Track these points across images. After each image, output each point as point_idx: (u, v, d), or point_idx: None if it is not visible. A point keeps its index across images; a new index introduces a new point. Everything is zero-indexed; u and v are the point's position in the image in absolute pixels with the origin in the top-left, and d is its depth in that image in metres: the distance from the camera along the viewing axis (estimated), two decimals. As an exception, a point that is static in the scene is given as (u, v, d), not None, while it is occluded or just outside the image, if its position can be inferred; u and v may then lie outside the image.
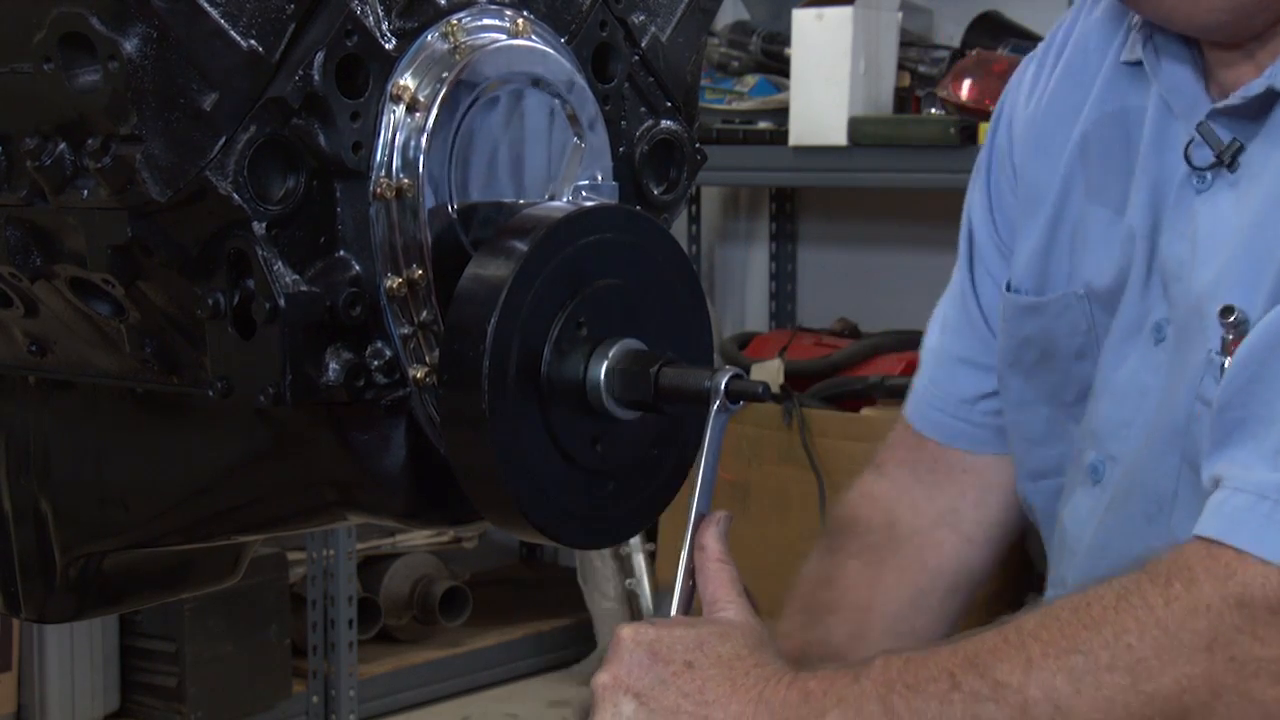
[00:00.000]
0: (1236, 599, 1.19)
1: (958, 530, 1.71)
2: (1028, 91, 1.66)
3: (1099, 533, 1.52)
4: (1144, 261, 1.50)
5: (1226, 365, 1.34)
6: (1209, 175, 1.43)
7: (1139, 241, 1.50)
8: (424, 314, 1.21)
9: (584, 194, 1.30)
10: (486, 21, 1.25)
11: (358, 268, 1.20)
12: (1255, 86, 1.40)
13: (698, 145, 1.40)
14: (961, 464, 1.71)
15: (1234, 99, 1.41)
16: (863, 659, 1.27)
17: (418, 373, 1.22)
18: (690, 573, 1.27)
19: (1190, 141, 1.45)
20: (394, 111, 1.21)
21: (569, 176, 1.30)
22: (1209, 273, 1.40)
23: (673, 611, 1.28)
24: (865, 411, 4.15)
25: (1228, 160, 1.42)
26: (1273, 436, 1.24)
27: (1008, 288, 1.63)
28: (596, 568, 4.57)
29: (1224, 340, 1.35)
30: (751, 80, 4.50)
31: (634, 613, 4.50)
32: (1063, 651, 1.21)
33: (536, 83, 1.27)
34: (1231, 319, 1.34)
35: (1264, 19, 1.41)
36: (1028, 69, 1.68)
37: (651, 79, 1.36)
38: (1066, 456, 1.59)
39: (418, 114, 1.21)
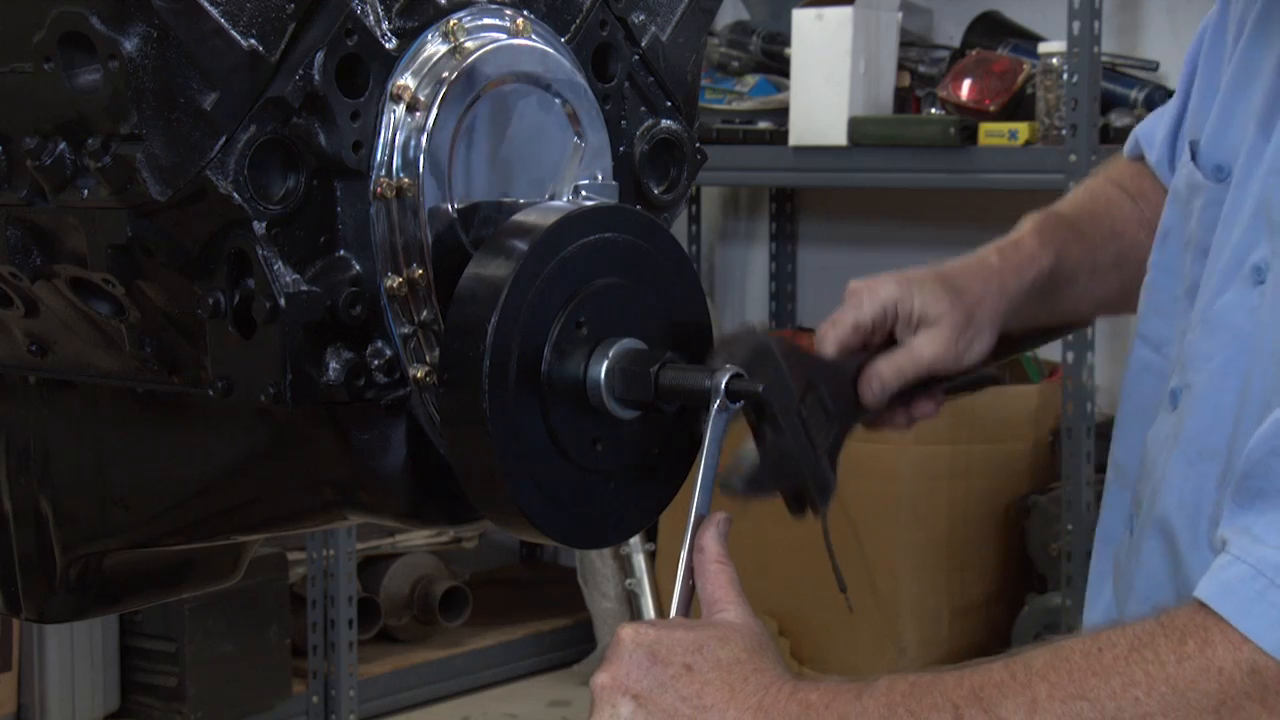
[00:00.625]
0: (1249, 665, 1.19)
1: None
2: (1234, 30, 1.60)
3: (1169, 463, 1.49)
4: (1258, 196, 1.45)
5: None
6: None
7: (1261, 176, 1.46)
8: (424, 313, 1.21)
9: (584, 193, 1.30)
10: (487, 21, 1.25)
11: (358, 267, 1.20)
12: None
13: (698, 145, 1.40)
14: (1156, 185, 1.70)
15: None
16: (867, 679, 1.26)
17: (418, 372, 1.22)
18: (690, 574, 1.27)
19: None
20: (394, 111, 1.21)
21: (569, 176, 1.30)
22: None
23: (672, 613, 1.27)
24: (865, 412, 4.14)
25: None
26: None
27: (1193, 152, 1.58)
28: (596, 568, 4.57)
29: None
30: (751, 80, 4.50)
31: (634, 613, 4.50)
32: (1069, 696, 1.20)
33: (537, 82, 1.27)
34: None
35: None
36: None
37: (652, 79, 1.36)
38: (1170, 345, 1.57)
39: (418, 113, 1.21)
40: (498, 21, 1.26)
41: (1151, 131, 1.73)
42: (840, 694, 1.23)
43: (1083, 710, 1.19)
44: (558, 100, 1.28)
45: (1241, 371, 1.42)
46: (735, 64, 4.55)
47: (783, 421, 1.32)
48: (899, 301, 1.53)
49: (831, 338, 1.49)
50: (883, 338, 1.52)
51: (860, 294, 1.54)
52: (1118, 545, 1.59)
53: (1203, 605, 1.22)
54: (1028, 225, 1.66)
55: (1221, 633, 1.19)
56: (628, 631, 1.23)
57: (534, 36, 1.28)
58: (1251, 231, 1.45)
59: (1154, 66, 4.13)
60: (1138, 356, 1.63)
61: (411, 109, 1.21)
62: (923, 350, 1.51)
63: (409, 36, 1.22)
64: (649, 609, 4.45)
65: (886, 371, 1.49)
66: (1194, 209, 1.55)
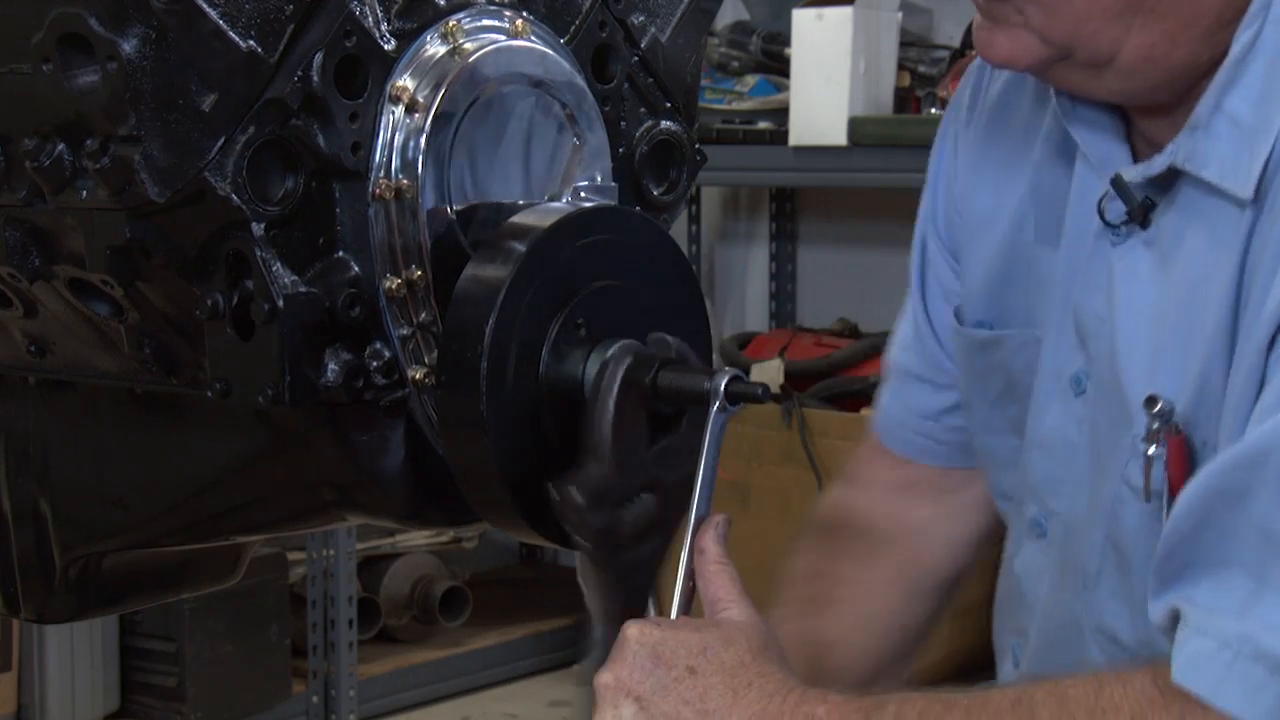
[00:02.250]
0: None
1: (938, 538, 1.71)
2: (967, 111, 1.63)
3: (1051, 590, 1.52)
4: (1059, 309, 1.49)
5: (1152, 453, 1.35)
6: (1124, 230, 1.42)
7: (1057, 289, 1.49)
8: (423, 315, 1.21)
9: (583, 195, 1.29)
10: (486, 22, 1.25)
11: (357, 268, 1.20)
12: (1157, 164, 1.38)
13: (697, 145, 1.40)
14: (931, 480, 1.70)
15: (1138, 173, 1.40)
16: (877, 695, 1.26)
17: (417, 373, 1.22)
18: (690, 575, 1.27)
19: (1104, 195, 1.43)
20: (393, 112, 1.21)
21: (568, 177, 1.30)
22: (1128, 343, 1.40)
23: (673, 615, 1.27)
24: (865, 411, 4.14)
25: (1139, 218, 1.40)
26: (1232, 580, 1.23)
27: (959, 318, 1.62)
28: (597, 568, 4.57)
29: (1149, 429, 1.35)
30: (751, 80, 4.50)
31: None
32: None
33: (536, 83, 1.27)
34: (1157, 409, 1.34)
35: (1170, 91, 1.38)
36: (967, 85, 1.65)
37: (651, 79, 1.36)
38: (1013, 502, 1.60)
39: (417, 115, 1.21)
40: (497, 23, 1.26)
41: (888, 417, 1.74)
42: (848, 713, 1.22)
43: None
44: (557, 102, 1.28)
45: (1091, 482, 1.46)
46: (735, 64, 4.55)
47: None
48: None
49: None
50: None
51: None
52: (1005, 674, 1.62)
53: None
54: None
55: (1204, 712, 1.20)
56: (633, 631, 1.23)
57: (533, 38, 1.28)
58: (1063, 348, 1.48)
59: (1154, 66, 4.12)
60: (1005, 510, 1.64)
61: (410, 110, 1.21)
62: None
63: (408, 38, 1.21)
64: (649, 609, 4.44)
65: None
66: (996, 362, 1.57)
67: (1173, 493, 1.33)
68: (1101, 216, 1.43)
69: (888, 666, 1.68)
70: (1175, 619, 1.24)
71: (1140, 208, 1.40)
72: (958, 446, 1.68)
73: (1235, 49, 1.33)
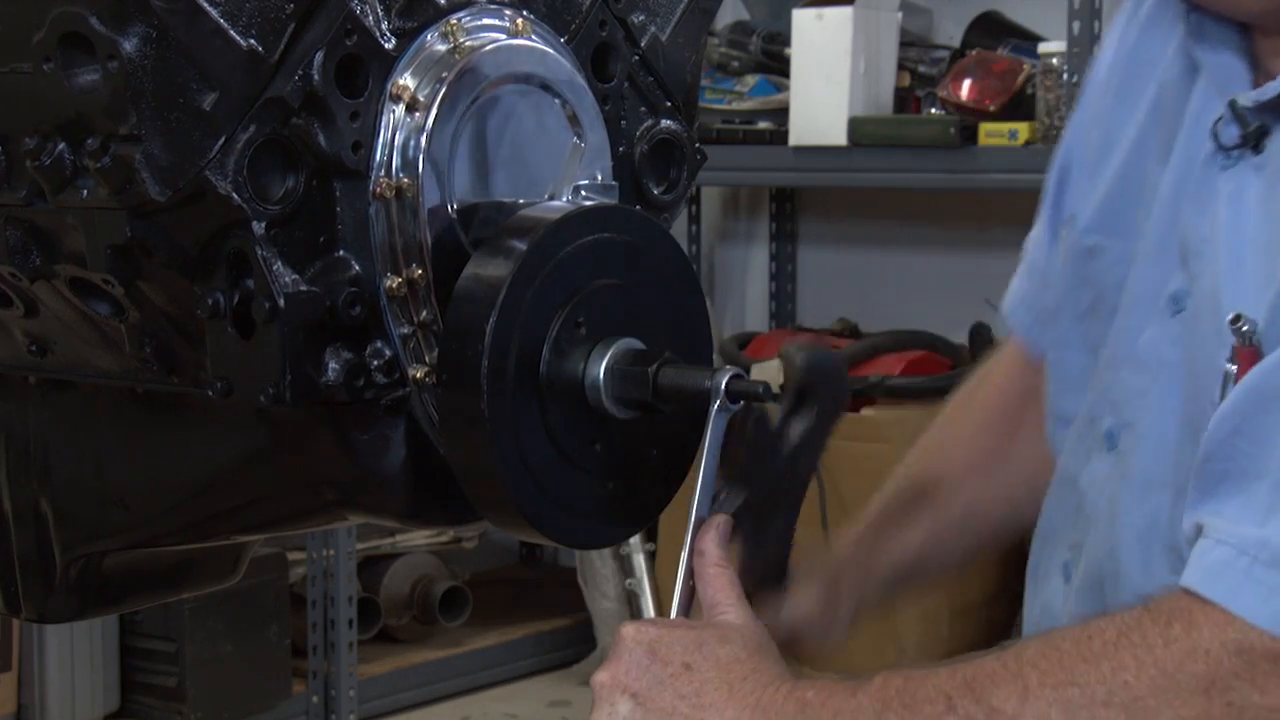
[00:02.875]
0: (1236, 645, 1.19)
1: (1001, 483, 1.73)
2: (1120, 31, 1.65)
3: (1114, 501, 1.51)
4: (1162, 228, 1.49)
5: (1229, 370, 1.34)
6: (1234, 154, 1.43)
7: (1160, 207, 1.50)
8: (424, 314, 1.21)
9: (583, 193, 1.30)
10: (486, 21, 1.25)
11: (357, 267, 1.20)
12: (1273, 88, 1.40)
13: (698, 145, 1.40)
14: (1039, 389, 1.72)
15: (1252, 98, 1.41)
16: (862, 676, 1.27)
17: (417, 372, 1.22)
18: (689, 576, 1.27)
19: (1220, 118, 1.44)
20: (394, 111, 1.21)
21: (569, 176, 1.30)
22: (1229, 265, 1.40)
23: (672, 616, 1.28)
24: (865, 411, 4.15)
25: (1253, 142, 1.42)
26: (1260, 492, 1.24)
27: (1072, 223, 1.63)
28: (596, 568, 4.57)
29: (1234, 349, 1.35)
30: (751, 80, 4.50)
31: (634, 613, 4.50)
32: (1060, 683, 1.21)
33: (536, 82, 1.27)
34: (1239, 326, 1.34)
35: None
36: (1125, 8, 1.67)
37: (651, 79, 1.36)
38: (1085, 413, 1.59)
39: (417, 113, 1.21)
40: (497, 22, 1.26)
41: (1015, 295, 1.76)
42: (836, 691, 1.24)
43: (1073, 696, 1.21)
44: (557, 100, 1.28)
45: (1178, 399, 1.45)
46: (735, 64, 4.55)
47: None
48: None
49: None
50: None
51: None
52: (1050, 593, 1.61)
53: (1188, 591, 1.23)
54: (875, 512, 1.70)
55: (1206, 615, 1.21)
56: (629, 630, 1.23)
57: (533, 37, 1.28)
58: (1162, 266, 1.48)
59: (1154, 66, 4.12)
60: (1061, 436, 1.64)
61: (411, 109, 1.21)
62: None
63: (408, 37, 1.22)
64: (649, 609, 4.45)
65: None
66: (1092, 273, 1.58)
67: None
68: (1215, 139, 1.44)
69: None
70: (1200, 532, 1.25)
71: (1254, 132, 1.41)
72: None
73: None
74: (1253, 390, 1.26)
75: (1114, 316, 1.55)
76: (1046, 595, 1.61)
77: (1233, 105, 1.43)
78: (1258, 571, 1.20)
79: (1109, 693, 1.20)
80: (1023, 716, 1.21)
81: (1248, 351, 1.34)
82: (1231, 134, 1.43)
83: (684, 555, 1.27)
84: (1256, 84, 1.45)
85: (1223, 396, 1.36)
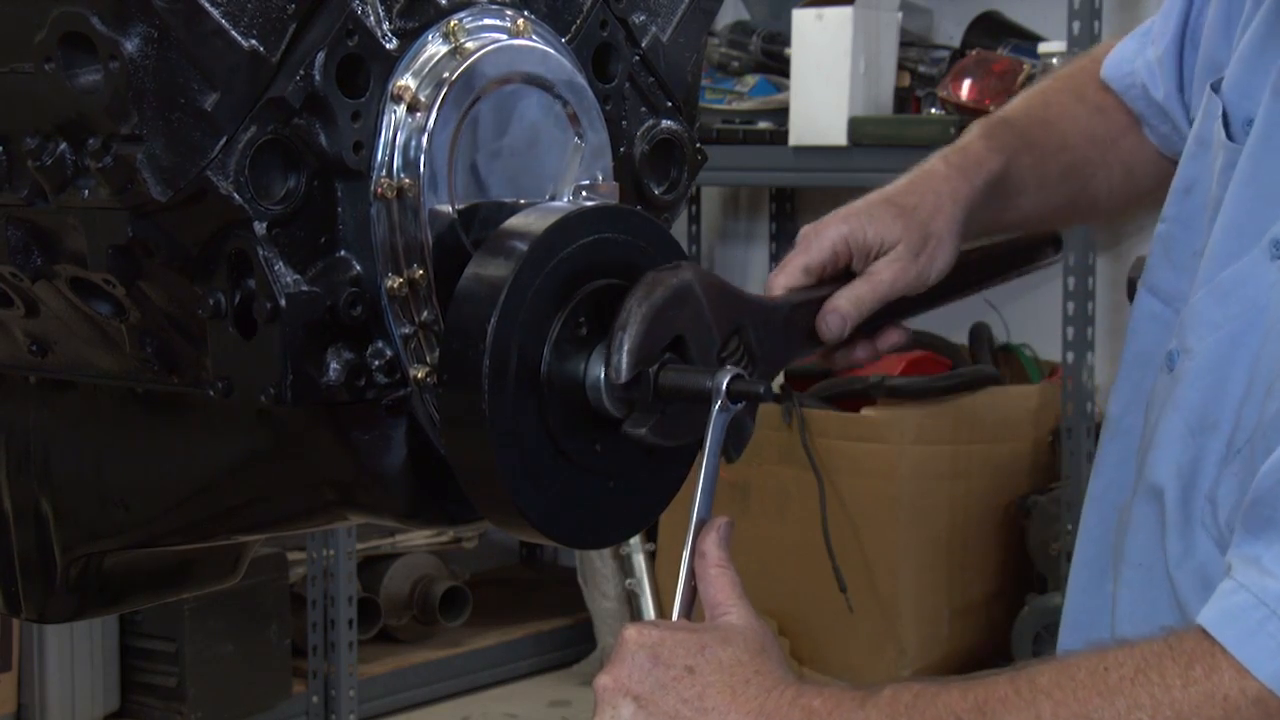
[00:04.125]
0: (1255, 694, 1.18)
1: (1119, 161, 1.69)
2: None
3: (1164, 427, 1.47)
4: (1275, 165, 1.42)
5: None
6: None
7: (1269, 142, 1.43)
8: (425, 314, 1.21)
9: (584, 194, 1.30)
10: (487, 21, 1.25)
11: (358, 268, 1.20)
12: None
13: (698, 145, 1.40)
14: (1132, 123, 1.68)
15: None
16: (871, 687, 1.25)
17: (418, 372, 1.22)
18: (691, 578, 1.27)
19: None
20: (395, 111, 1.21)
21: (569, 176, 1.30)
22: None
23: (674, 618, 1.27)
24: (865, 411, 4.15)
25: None
26: None
27: (1215, 88, 1.53)
28: (596, 568, 4.57)
29: None
30: (751, 80, 4.50)
31: (634, 613, 4.50)
32: (1074, 715, 1.19)
33: (537, 83, 1.27)
34: None
35: None
36: None
37: (652, 79, 1.36)
38: (1180, 301, 1.52)
39: (419, 114, 1.21)
40: (498, 22, 1.26)
41: (1129, 61, 1.68)
42: (843, 702, 1.22)
43: None
44: (558, 101, 1.28)
45: (1252, 346, 1.40)
46: (735, 64, 4.55)
47: (699, 364, 1.27)
48: (849, 237, 1.50)
49: (780, 283, 1.46)
50: (835, 276, 1.48)
51: (809, 237, 1.50)
52: (1121, 504, 1.56)
53: (1205, 630, 1.21)
54: (976, 130, 1.63)
55: (1228, 660, 1.19)
56: (631, 632, 1.23)
57: (534, 37, 1.28)
58: (1272, 203, 1.42)
59: (1154, 66, 4.12)
60: (1144, 306, 1.59)
61: (412, 109, 1.21)
62: (882, 275, 1.47)
63: (409, 37, 1.22)
64: (649, 609, 4.45)
65: (845, 304, 1.46)
66: (1215, 165, 1.50)
67: None
68: None
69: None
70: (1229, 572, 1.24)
71: None
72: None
73: None
74: None
75: (1216, 213, 1.47)
76: (1119, 505, 1.56)
77: None
78: (1271, 625, 1.18)
79: None
80: None
81: None
82: None
83: (685, 556, 1.26)
84: None
85: None
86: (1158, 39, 1.66)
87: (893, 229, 1.49)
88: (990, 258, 1.66)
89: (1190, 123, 1.60)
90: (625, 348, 1.21)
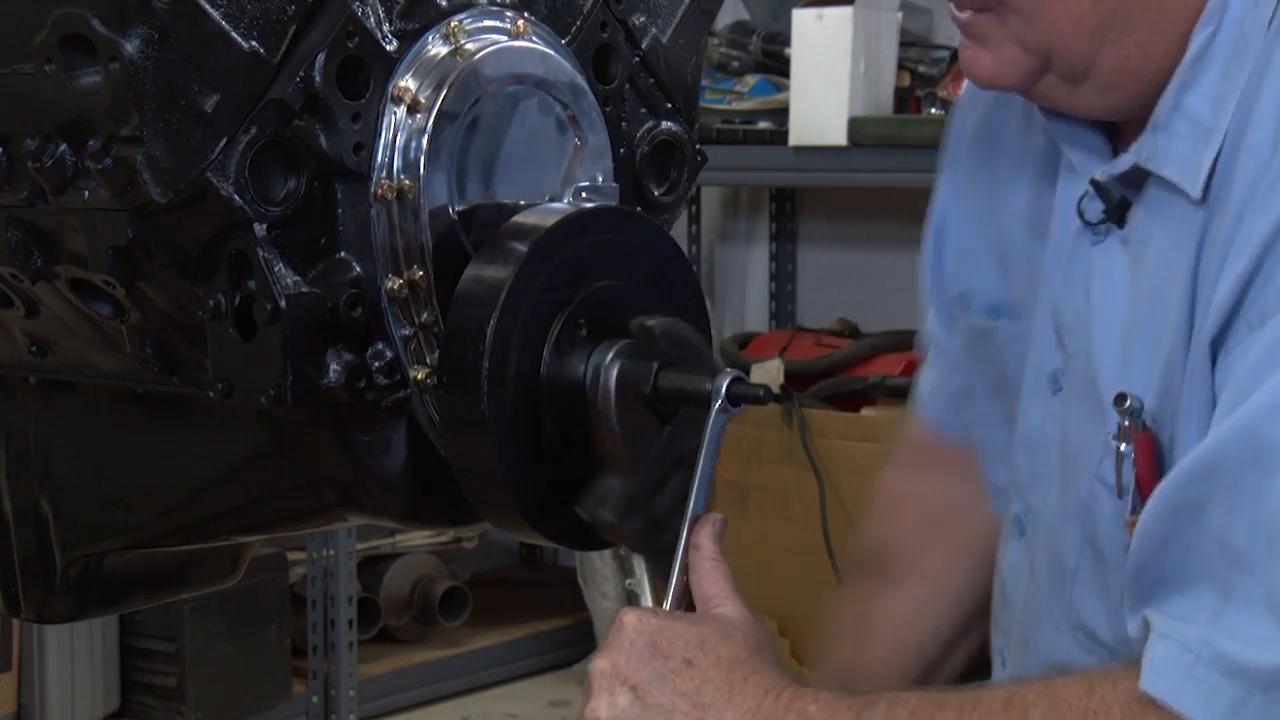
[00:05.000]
0: None
1: (990, 510, 1.71)
2: (951, 150, 1.67)
3: (1029, 588, 1.53)
4: (1044, 307, 1.51)
5: (1122, 450, 1.36)
6: (1102, 229, 1.43)
7: (1043, 286, 1.51)
8: (425, 315, 1.22)
9: (584, 195, 1.30)
10: (487, 23, 1.25)
11: (358, 269, 1.20)
12: (1122, 163, 1.40)
13: (698, 146, 1.40)
14: (972, 459, 1.70)
15: (1106, 171, 1.41)
16: (868, 693, 1.26)
17: (418, 374, 1.22)
18: (684, 571, 1.27)
19: (1084, 195, 1.45)
20: (395, 113, 1.21)
21: (569, 177, 1.30)
22: (1103, 341, 1.41)
23: (667, 609, 1.27)
24: (865, 411, 4.15)
25: (1116, 217, 1.42)
26: (1202, 593, 1.24)
27: (966, 304, 1.63)
28: (596, 568, 4.57)
29: (1120, 426, 1.37)
30: (751, 80, 4.50)
31: (634, 612, 4.49)
32: None
33: (537, 84, 1.27)
34: (1126, 406, 1.36)
35: (1147, 107, 1.39)
36: (950, 127, 1.69)
37: (652, 80, 1.36)
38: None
39: (419, 115, 1.21)
40: (498, 23, 1.26)
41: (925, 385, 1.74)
42: (839, 709, 1.23)
43: None
44: (558, 102, 1.28)
45: (1065, 479, 1.47)
46: (735, 64, 4.55)
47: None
48: None
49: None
50: None
51: None
52: (998, 678, 1.61)
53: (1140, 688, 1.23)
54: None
55: (1149, 716, 1.21)
56: (630, 618, 1.23)
57: (534, 38, 1.28)
58: (1046, 345, 1.50)
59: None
60: (1000, 506, 1.64)
61: (412, 111, 1.21)
62: None
63: (410, 38, 1.22)
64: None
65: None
66: (992, 353, 1.59)
67: (1142, 489, 1.35)
68: (1081, 216, 1.45)
69: (951, 644, 1.70)
70: (1149, 629, 1.25)
71: (1116, 206, 1.42)
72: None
73: (1192, 47, 1.35)
74: (1168, 504, 1.26)
75: (1016, 393, 1.55)
76: (995, 676, 1.62)
77: (1094, 181, 1.43)
78: (1199, 670, 1.20)
79: None
80: None
81: (1143, 436, 1.36)
82: (1095, 210, 1.44)
83: (679, 550, 1.27)
84: (1116, 156, 1.44)
85: (1119, 476, 1.38)
86: (937, 350, 1.73)
87: None
88: None
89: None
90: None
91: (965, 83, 1.65)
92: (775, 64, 4.47)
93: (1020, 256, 1.56)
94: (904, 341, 4.28)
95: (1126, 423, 1.36)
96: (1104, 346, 1.41)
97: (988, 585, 1.64)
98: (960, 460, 1.70)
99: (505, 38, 1.26)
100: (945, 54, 4.35)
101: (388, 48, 1.21)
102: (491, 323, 1.17)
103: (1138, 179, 1.40)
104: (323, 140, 1.18)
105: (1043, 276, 1.51)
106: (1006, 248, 1.58)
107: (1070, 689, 1.23)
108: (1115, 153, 1.44)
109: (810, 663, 1.27)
